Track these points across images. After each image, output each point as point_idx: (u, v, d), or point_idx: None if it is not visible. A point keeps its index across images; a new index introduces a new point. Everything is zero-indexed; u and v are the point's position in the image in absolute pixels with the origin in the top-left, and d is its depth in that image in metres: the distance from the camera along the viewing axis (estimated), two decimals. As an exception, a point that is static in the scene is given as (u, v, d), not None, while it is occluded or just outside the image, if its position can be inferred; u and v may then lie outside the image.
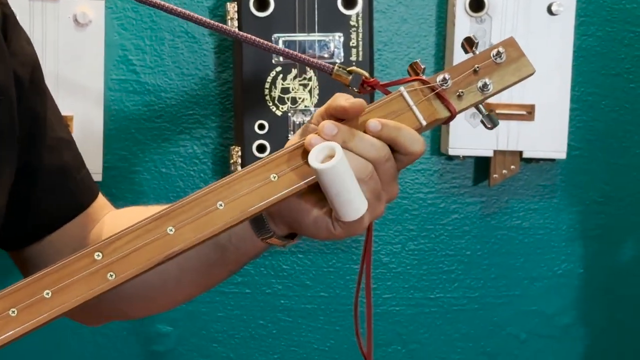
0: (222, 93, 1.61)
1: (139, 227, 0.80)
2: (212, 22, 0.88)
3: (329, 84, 1.53)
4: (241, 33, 0.88)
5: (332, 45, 1.53)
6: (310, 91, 1.53)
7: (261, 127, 1.52)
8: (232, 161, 1.53)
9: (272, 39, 1.49)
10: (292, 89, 1.54)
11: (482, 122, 0.91)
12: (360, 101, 0.86)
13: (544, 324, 1.77)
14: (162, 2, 0.87)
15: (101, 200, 1.04)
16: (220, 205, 0.81)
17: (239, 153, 1.53)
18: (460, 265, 1.73)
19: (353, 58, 1.56)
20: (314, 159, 0.82)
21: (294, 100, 1.52)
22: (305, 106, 1.52)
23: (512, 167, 1.65)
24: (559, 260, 1.76)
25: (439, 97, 0.90)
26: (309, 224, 0.86)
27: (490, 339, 1.76)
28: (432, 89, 0.89)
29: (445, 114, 0.89)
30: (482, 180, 1.70)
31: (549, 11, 1.64)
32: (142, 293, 0.96)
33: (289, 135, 1.49)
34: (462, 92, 0.91)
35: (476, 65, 0.92)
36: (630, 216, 1.77)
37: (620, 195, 1.76)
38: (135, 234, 0.79)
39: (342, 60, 1.53)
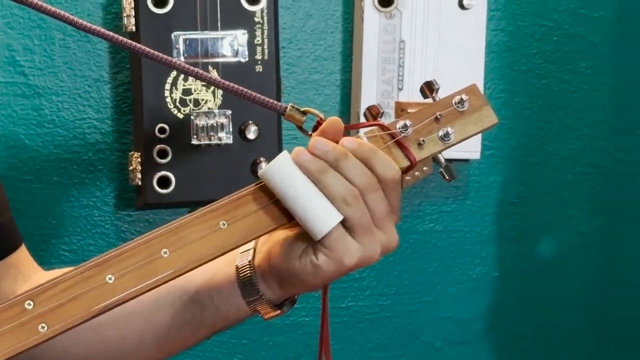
0: (118, 95, 1.55)
1: (75, 275, 0.75)
2: (103, 31, 0.82)
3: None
4: (141, 47, 0.82)
5: (236, 43, 1.48)
6: (213, 92, 1.48)
7: (162, 130, 1.46)
8: (131, 168, 1.47)
9: (172, 37, 1.44)
10: (195, 90, 1.48)
11: (440, 173, 0.92)
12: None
13: (459, 330, 1.78)
14: (43, 4, 0.80)
15: (26, 253, 1.00)
16: (165, 253, 0.78)
17: (139, 159, 1.46)
18: (372, 272, 1.72)
19: (258, 56, 1.52)
20: None
21: (196, 102, 1.47)
22: (209, 108, 1.47)
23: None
24: (473, 263, 1.77)
25: (399, 145, 0.90)
26: (294, 264, 0.82)
27: (405, 347, 1.76)
28: (392, 136, 0.89)
29: (405, 163, 0.89)
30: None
31: (461, 5, 1.64)
32: (93, 349, 0.90)
33: (192, 139, 1.44)
34: (423, 140, 0.91)
35: (438, 113, 0.92)
36: (545, 216, 1.78)
37: (534, 195, 1.78)
38: (71, 282, 0.75)
39: (247, 58, 1.48)
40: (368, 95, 1.62)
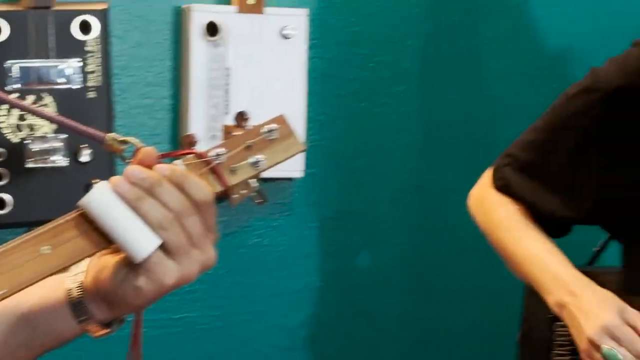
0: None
1: None
2: None
3: (67, 109, 1.56)
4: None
5: (69, 71, 1.57)
6: (49, 118, 1.56)
7: (-2, 154, 1.53)
8: (-35, 193, 1.52)
9: (7, 65, 1.50)
10: (30, 116, 1.55)
11: (251, 197, 0.98)
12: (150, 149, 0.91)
13: (286, 338, 1.89)
14: None
15: None
16: None
17: (-28, 184, 1.52)
18: (203, 285, 1.81)
19: (91, 83, 1.60)
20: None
21: (31, 127, 1.54)
22: (44, 133, 1.54)
23: (252, 186, 1.74)
24: (299, 275, 1.89)
25: (213, 171, 0.95)
26: (118, 287, 0.86)
27: (236, 355, 1.86)
28: (207, 163, 0.94)
29: (219, 187, 0.95)
30: (223, 201, 1.78)
31: (282, 35, 1.77)
32: None
33: (28, 162, 1.50)
34: (235, 167, 0.96)
35: (249, 141, 0.98)
36: (364, 231, 1.94)
37: (354, 211, 1.92)
38: None
39: (81, 85, 1.57)
40: (196, 119, 1.71)
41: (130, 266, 0.86)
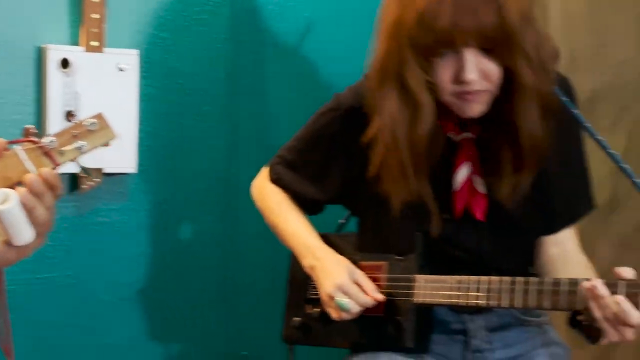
0: None
1: None
2: None
3: None
4: None
5: None
6: None
7: None
8: None
9: None
10: None
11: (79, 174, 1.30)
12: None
13: (125, 290, 2.24)
14: None
15: None
16: None
17: None
18: (60, 252, 2.12)
19: None
20: None
21: None
22: None
23: (97, 180, 2.15)
24: (135, 245, 2.25)
25: (46, 153, 1.19)
26: None
27: (86, 305, 2.18)
28: (41, 147, 1.18)
29: (51, 165, 1.19)
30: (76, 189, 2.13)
31: (118, 68, 2.10)
32: None
33: None
34: (63, 150, 1.19)
35: (74, 131, 1.21)
36: (184, 213, 2.32)
37: (176, 198, 2.31)
38: None
39: None
40: (54, 129, 1.87)
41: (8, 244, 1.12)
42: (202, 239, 2.39)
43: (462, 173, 1.70)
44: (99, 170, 2.17)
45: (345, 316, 1.72)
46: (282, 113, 2.43)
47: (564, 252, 1.78)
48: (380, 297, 1.73)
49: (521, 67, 1.56)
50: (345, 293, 1.71)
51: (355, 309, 1.71)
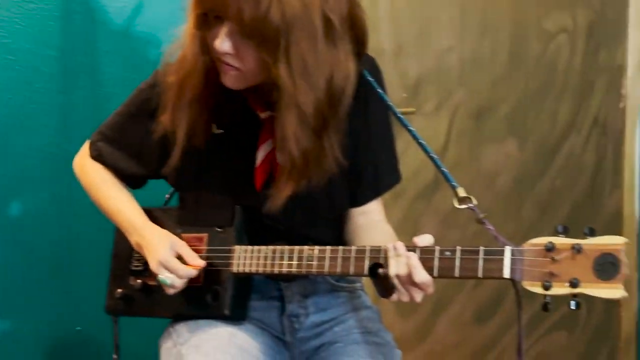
0: None
1: None
2: None
3: None
4: None
5: None
6: None
7: None
8: None
9: None
10: None
11: None
12: None
13: None
14: None
15: None
16: None
17: None
18: None
19: None
20: None
21: None
22: None
23: None
24: None
25: None
26: None
27: None
28: None
29: None
30: None
31: None
32: None
33: None
34: None
35: None
36: (18, 187, 2.34)
37: (8, 173, 2.32)
38: None
39: None
40: None
41: None
42: (33, 216, 2.42)
43: (263, 150, 1.78)
44: None
45: (171, 291, 1.79)
46: (115, 91, 2.45)
47: (370, 222, 1.89)
48: (201, 262, 1.79)
49: (279, 69, 1.61)
50: (167, 268, 1.77)
51: (177, 282, 1.77)
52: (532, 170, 3.27)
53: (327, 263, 1.71)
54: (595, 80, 3.30)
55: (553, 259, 1.51)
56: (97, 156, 1.93)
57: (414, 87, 3.08)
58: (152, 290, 1.88)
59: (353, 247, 1.69)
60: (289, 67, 1.61)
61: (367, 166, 1.88)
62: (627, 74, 3.27)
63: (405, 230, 3.02)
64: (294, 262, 1.74)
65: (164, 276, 1.76)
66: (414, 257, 1.60)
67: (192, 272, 1.79)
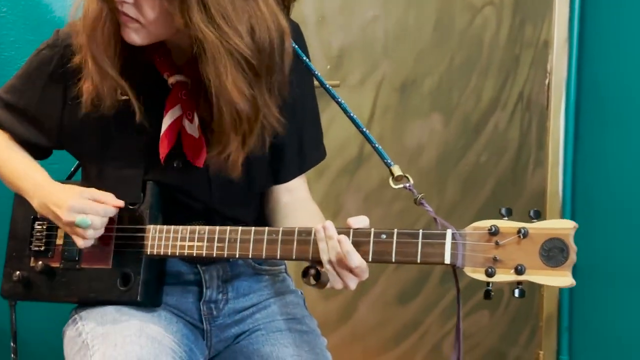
0: None
1: None
2: None
3: None
4: None
5: None
6: None
7: None
8: None
9: None
10: None
11: None
12: None
13: None
14: None
15: None
16: None
17: None
18: None
19: None
20: None
21: None
22: None
23: None
24: None
25: None
26: None
27: None
28: None
29: None
30: None
31: None
32: None
33: None
34: None
35: None
36: None
37: None
38: None
39: None
40: None
41: None
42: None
43: (169, 117, 1.64)
44: None
45: (91, 234, 1.63)
46: (15, 55, 2.35)
47: (295, 200, 1.77)
48: (121, 202, 1.66)
49: (194, 18, 1.48)
50: (83, 211, 1.62)
51: (97, 221, 1.62)
52: (456, 146, 3.17)
53: (251, 246, 1.57)
54: (520, 55, 3.22)
55: (497, 244, 1.40)
56: None
57: (338, 58, 2.95)
58: (55, 272, 1.74)
59: (280, 229, 1.56)
60: (206, 14, 1.47)
61: (291, 140, 1.75)
62: (553, 50, 3.19)
63: (328, 208, 2.94)
64: (215, 244, 1.61)
65: (81, 218, 1.61)
66: (346, 242, 1.47)
67: (111, 209, 1.64)
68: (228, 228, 1.59)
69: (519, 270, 1.38)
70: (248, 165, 1.67)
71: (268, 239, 1.56)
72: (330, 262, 1.49)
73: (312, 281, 1.51)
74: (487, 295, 1.43)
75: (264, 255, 1.57)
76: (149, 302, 1.68)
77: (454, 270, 1.45)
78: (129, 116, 1.63)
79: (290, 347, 1.73)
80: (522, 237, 1.38)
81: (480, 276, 1.41)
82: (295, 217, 1.73)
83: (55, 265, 1.74)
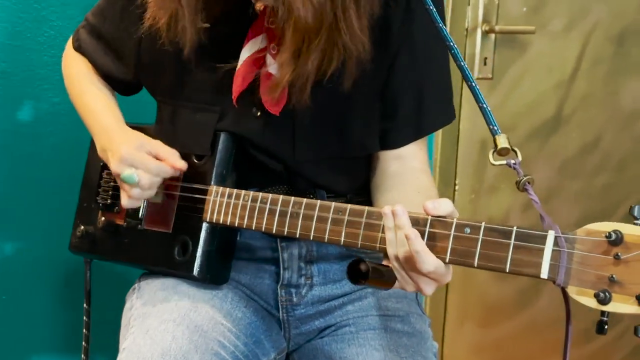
0: None
1: None
2: None
3: None
4: None
5: None
6: None
7: None
8: None
9: None
10: None
11: None
12: None
13: None
14: None
15: None
16: None
17: None
18: None
19: None
20: None
21: None
22: None
23: None
24: None
25: None
26: None
27: None
28: None
29: None
30: None
31: None
32: None
33: None
34: None
35: None
36: (24, 88, 1.98)
37: (14, 71, 1.98)
38: None
39: None
40: None
41: None
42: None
43: (248, 48, 1.35)
44: None
45: (136, 194, 1.39)
46: None
47: (406, 170, 1.41)
48: (181, 164, 1.39)
49: None
50: (132, 164, 1.39)
51: (145, 179, 1.37)
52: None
53: (313, 224, 1.24)
54: None
55: (617, 257, 0.98)
56: (77, 47, 1.60)
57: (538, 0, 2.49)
58: (119, 231, 1.51)
59: (349, 206, 1.21)
60: None
61: (408, 94, 1.40)
62: None
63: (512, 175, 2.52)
64: (275, 218, 1.29)
65: (128, 172, 1.38)
66: (416, 239, 1.10)
67: (166, 169, 1.39)
68: (292, 199, 1.27)
69: (642, 300, 0.96)
70: (340, 120, 1.37)
71: (333, 218, 1.22)
72: (397, 258, 1.13)
73: (361, 281, 1.13)
74: (601, 328, 1.01)
75: (326, 237, 1.23)
76: (209, 278, 1.40)
77: (563, 290, 1.04)
78: (207, 46, 1.37)
79: (381, 351, 1.40)
80: (653, 252, 0.95)
81: (589, 301, 1.00)
82: (400, 192, 1.38)
83: (120, 222, 1.51)
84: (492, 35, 2.42)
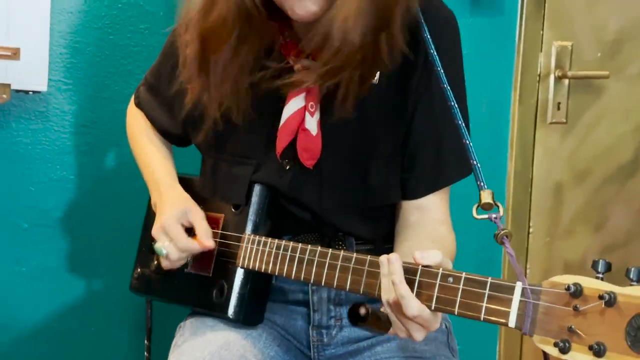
0: None
1: None
2: None
3: None
4: None
5: None
6: None
7: None
8: None
9: None
10: None
11: None
12: None
13: (43, 217, 2.13)
14: None
15: None
16: None
17: None
18: None
19: None
20: None
21: None
22: None
23: (4, 96, 2.05)
24: (55, 169, 2.13)
25: None
26: None
27: (1, 229, 2.10)
28: None
29: None
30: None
31: None
32: None
33: None
34: None
35: None
36: (110, 137, 2.16)
37: (102, 121, 2.15)
38: None
39: None
40: None
41: None
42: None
43: (290, 107, 1.45)
44: (6, 85, 2.02)
45: (166, 264, 1.53)
46: None
47: (426, 221, 1.48)
48: (211, 243, 1.51)
49: None
50: (168, 235, 1.51)
51: (174, 254, 1.51)
52: None
53: (325, 271, 1.33)
54: None
55: (576, 309, 1.03)
56: (138, 103, 1.76)
57: (614, 43, 2.51)
58: (168, 273, 1.61)
59: (354, 254, 1.30)
60: None
61: (427, 144, 1.47)
62: None
63: (589, 219, 2.52)
64: (294, 265, 1.39)
65: (160, 245, 1.51)
66: (400, 284, 1.18)
67: (194, 246, 1.51)
68: (308, 247, 1.37)
69: (596, 351, 1.01)
70: (364, 170, 1.46)
71: (341, 266, 1.31)
72: (389, 303, 1.21)
73: (359, 323, 1.22)
74: (562, 376, 1.06)
75: (334, 283, 1.32)
76: (242, 319, 1.50)
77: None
78: (250, 106, 1.48)
79: (401, 395, 1.46)
80: (606, 305, 1.00)
81: (552, 350, 1.05)
82: (417, 242, 1.44)
83: (168, 264, 1.63)
84: (566, 81, 2.45)
